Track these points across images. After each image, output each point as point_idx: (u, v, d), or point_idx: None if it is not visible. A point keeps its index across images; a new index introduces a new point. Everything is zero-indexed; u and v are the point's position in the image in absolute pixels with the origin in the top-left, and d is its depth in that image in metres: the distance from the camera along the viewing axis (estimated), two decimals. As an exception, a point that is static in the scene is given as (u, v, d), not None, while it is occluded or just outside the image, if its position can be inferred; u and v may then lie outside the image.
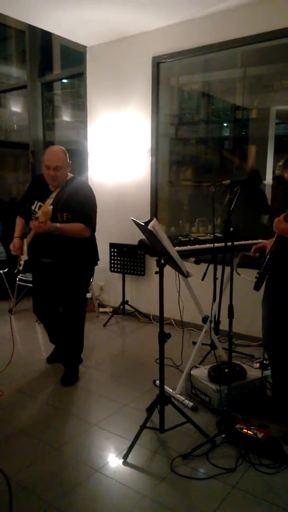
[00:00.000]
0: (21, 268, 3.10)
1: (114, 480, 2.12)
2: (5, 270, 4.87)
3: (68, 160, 2.98)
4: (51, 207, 2.84)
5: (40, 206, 2.94)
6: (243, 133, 4.41)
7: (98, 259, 3.22)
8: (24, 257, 3.11)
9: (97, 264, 3.24)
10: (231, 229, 2.28)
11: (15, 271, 3.15)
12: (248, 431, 2.37)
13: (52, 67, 5.83)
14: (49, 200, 2.95)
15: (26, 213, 3.11)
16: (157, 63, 4.34)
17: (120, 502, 1.97)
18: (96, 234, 5.09)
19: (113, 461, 2.28)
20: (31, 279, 3.35)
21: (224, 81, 4.44)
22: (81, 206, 2.92)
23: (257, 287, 2.42)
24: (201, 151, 4.69)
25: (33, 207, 3.01)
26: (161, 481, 2.12)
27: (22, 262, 3.10)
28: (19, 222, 3.20)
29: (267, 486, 2.08)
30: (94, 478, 2.13)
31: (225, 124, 4.63)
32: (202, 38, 3.99)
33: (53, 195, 2.96)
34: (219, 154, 4.56)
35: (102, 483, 2.10)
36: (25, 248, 3.07)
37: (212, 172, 4.59)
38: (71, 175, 3.08)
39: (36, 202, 3.00)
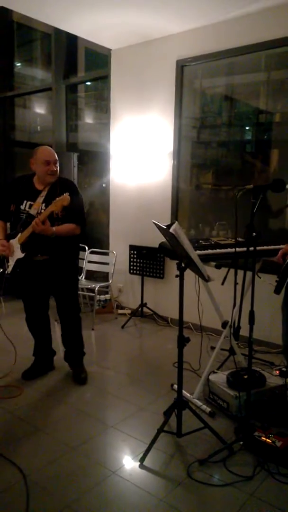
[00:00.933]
0: (9, 270, 3.07)
1: (130, 482, 2.12)
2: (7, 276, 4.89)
3: None
4: (67, 194, 2.84)
5: (30, 205, 3.00)
6: (266, 137, 4.36)
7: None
8: (16, 256, 3.04)
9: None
10: (254, 234, 2.26)
11: (5, 272, 3.14)
12: (267, 439, 2.34)
13: (77, 70, 5.89)
14: (40, 199, 3.00)
15: (7, 216, 3.12)
16: (181, 66, 4.34)
17: (136, 506, 1.97)
18: (116, 236, 5.15)
19: (130, 463, 2.28)
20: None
21: (248, 84, 4.41)
22: (73, 205, 2.94)
23: (277, 290, 2.39)
24: (222, 154, 4.67)
25: (22, 207, 3.03)
26: (178, 486, 2.11)
27: (10, 263, 3.06)
28: (0, 224, 3.19)
29: (285, 496, 2.05)
30: (111, 480, 2.14)
31: (247, 128, 4.59)
32: (226, 42, 3.98)
33: (43, 193, 3.01)
34: (240, 157, 4.52)
35: (118, 485, 2.10)
36: (16, 248, 3.04)
37: (233, 175, 4.56)
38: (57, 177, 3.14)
39: (25, 201, 3.03)
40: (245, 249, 2.35)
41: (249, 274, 2.41)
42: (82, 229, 3.09)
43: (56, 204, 2.79)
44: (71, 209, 2.93)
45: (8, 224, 3.19)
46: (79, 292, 4.86)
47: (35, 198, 3.01)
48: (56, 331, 3.55)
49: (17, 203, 3.06)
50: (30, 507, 1.93)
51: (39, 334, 3.32)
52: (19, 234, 3.00)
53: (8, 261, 3.09)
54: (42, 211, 2.93)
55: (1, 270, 3.16)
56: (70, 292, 3.22)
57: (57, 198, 2.80)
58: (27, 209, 3.01)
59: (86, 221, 3.16)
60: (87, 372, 3.30)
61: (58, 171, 3.06)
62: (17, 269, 3.05)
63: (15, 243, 3.03)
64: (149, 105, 4.62)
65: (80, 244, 3.42)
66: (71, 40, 5.71)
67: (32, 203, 3.01)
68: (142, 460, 2.27)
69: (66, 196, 2.78)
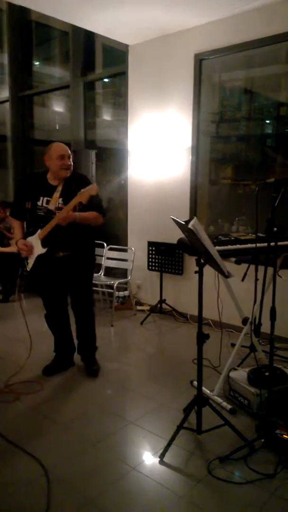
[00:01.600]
0: (29, 267, 3.10)
1: (150, 478, 2.12)
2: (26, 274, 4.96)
3: None
4: (95, 184, 2.89)
5: (47, 201, 3.01)
6: (287, 130, 4.28)
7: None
8: (36, 253, 3.06)
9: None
10: (275, 229, 2.22)
11: (25, 270, 3.17)
12: (289, 437, 2.30)
13: (94, 67, 5.90)
14: (57, 194, 3.02)
15: (23, 214, 3.13)
16: (200, 60, 4.30)
17: (157, 502, 1.97)
18: (134, 232, 5.15)
19: (150, 459, 2.28)
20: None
21: (268, 77, 4.33)
22: (92, 196, 2.95)
23: None
24: (242, 149, 4.60)
25: (38, 203, 3.03)
26: (198, 482, 2.10)
27: (30, 261, 3.09)
28: (17, 224, 3.22)
29: (308, 495, 2.01)
30: (131, 476, 2.14)
31: (267, 121, 4.51)
32: (245, 34, 3.92)
33: (59, 188, 3.03)
34: (261, 152, 4.45)
35: (138, 481, 2.10)
36: (35, 245, 3.06)
37: (253, 170, 4.49)
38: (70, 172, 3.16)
39: (41, 198, 3.04)
40: (266, 244, 2.31)
41: (270, 270, 2.37)
42: (104, 217, 3.13)
43: (82, 195, 2.82)
44: (91, 200, 2.94)
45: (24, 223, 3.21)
46: (98, 288, 4.92)
47: (51, 193, 3.03)
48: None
49: (33, 200, 3.07)
50: (51, 501, 1.95)
51: (58, 330, 3.35)
52: (39, 231, 3.01)
53: (27, 260, 3.12)
54: (59, 205, 2.97)
55: (20, 268, 3.19)
56: (86, 287, 3.26)
57: (83, 190, 2.83)
58: (44, 205, 3.02)
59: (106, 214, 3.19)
60: (99, 366, 3.33)
61: (72, 166, 3.07)
62: (37, 266, 3.07)
63: (35, 240, 3.05)
64: (167, 100, 4.59)
65: (96, 241, 3.45)
66: (89, 37, 5.72)
67: (49, 198, 3.02)
68: (162, 456, 2.26)
69: (93, 186, 2.85)
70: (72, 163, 3.07)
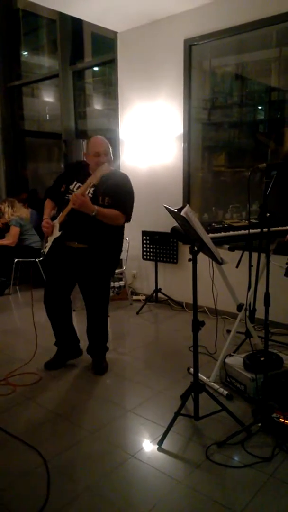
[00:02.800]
0: (46, 251, 3.06)
1: (149, 465, 2.14)
2: (41, 259, 4.97)
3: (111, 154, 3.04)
4: (106, 164, 2.81)
5: (79, 187, 2.93)
6: (279, 115, 4.25)
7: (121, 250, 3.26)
8: (53, 236, 3.03)
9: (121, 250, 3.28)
10: (268, 214, 2.22)
11: (41, 253, 3.16)
12: (285, 421, 2.33)
13: (83, 56, 5.82)
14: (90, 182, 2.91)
15: (57, 196, 3.08)
16: (189, 46, 4.25)
17: (156, 488, 1.99)
18: (128, 222, 5.12)
19: (148, 446, 2.30)
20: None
21: (259, 62, 4.29)
22: (123, 194, 2.95)
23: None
24: (234, 135, 4.58)
25: (71, 187, 2.99)
26: (196, 468, 2.12)
27: (48, 244, 3.05)
28: (48, 204, 3.16)
29: (305, 476, 2.04)
30: (130, 463, 2.16)
31: (259, 107, 4.48)
32: (235, 18, 3.87)
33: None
34: (253, 138, 4.43)
35: (137, 468, 2.12)
36: (55, 228, 3.02)
37: (246, 157, 4.47)
38: (112, 168, 3.07)
39: (75, 182, 2.99)
40: (259, 230, 2.31)
41: (263, 256, 2.37)
42: (127, 220, 3.02)
43: (95, 175, 2.75)
44: (118, 197, 2.91)
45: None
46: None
47: (86, 180, 2.89)
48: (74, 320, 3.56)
49: (67, 183, 3.03)
50: (51, 490, 1.97)
51: (56, 320, 3.22)
52: (60, 213, 2.98)
53: (46, 242, 3.09)
54: (90, 195, 2.89)
55: (32, 259, 3.16)
56: (102, 286, 3.12)
57: (96, 169, 2.76)
58: (75, 189, 2.95)
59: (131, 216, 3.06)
60: (108, 364, 3.24)
61: (108, 161, 2.94)
62: (52, 251, 3.03)
63: (56, 222, 3.01)
64: (158, 87, 4.55)
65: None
66: (77, 26, 5.64)
67: (81, 184, 2.92)
68: (160, 443, 2.28)
69: (105, 165, 2.76)
70: (109, 159, 2.96)
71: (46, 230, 3.03)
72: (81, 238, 2.96)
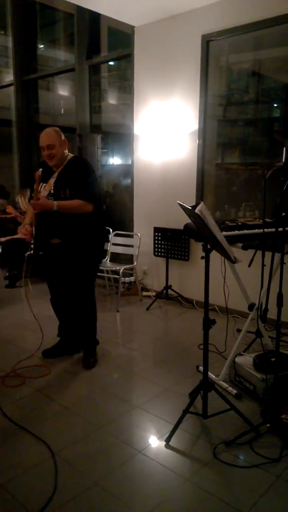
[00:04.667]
0: (32, 252, 3.10)
1: (156, 462, 2.14)
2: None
3: (63, 138, 2.99)
4: (39, 170, 2.87)
5: (44, 187, 3.00)
6: (296, 113, 4.20)
7: (106, 238, 3.21)
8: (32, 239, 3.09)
9: (106, 241, 3.22)
10: (283, 214, 2.19)
11: (31, 255, 3.20)
12: (294, 422, 2.31)
13: (100, 50, 5.81)
14: (52, 180, 2.98)
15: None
16: (207, 42, 4.21)
17: (163, 484, 1.99)
18: (140, 218, 5.12)
19: (155, 443, 2.30)
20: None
21: (276, 59, 4.23)
22: (80, 181, 2.92)
23: None
24: (249, 132, 4.53)
25: (39, 189, 3.03)
26: (203, 466, 2.11)
27: (32, 247, 3.10)
28: (29, 208, 3.19)
29: (313, 479, 2.03)
30: (137, 459, 2.16)
31: (275, 105, 4.43)
32: (253, 14, 3.82)
33: (55, 174, 3.00)
34: (268, 136, 4.38)
35: (144, 465, 2.12)
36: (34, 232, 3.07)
37: (260, 155, 4.43)
38: (72, 155, 3.09)
39: (41, 184, 3.03)
40: (273, 229, 2.29)
41: (277, 255, 2.35)
42: (97, 207, 2.97)
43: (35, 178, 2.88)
44: (77, 186, 2.90)
45: None
46: (103, 274, 4.92)
47: (49, 179, 3.01)
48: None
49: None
50: (58, 483, 1.98)
51: (61, 315, 3.35)
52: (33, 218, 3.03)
53: (32, 245, 3.11)
54: (52, 191, 2.94)
55: (27, 253, 3.20)
56: (81, 278, 3.10)
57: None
58: (41, 190, 3.00)
59: (103, 200, 3.07)
60: (97, 360, 3.23)
61: (56, 156, 2.95)
62: (39, 252, 3.07)
63: (32, 227, 3.06)
64: (174, 83, 4.52)
65: (106, 227, 3.32)
66: (94, 19, 5.62)
67: (45, 184, 3.00)
68: (168, 440, 2.28)
69: (38, 172, 2.88)
70: (52, 153, 2.93)
71: (26, 237, 3.09)
72: (54, 234, 3.01)
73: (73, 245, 3.00)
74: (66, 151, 3.05)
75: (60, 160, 3.00)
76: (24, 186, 6.42)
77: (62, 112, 6.95)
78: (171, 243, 4.72)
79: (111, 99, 6.25)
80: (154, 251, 4.90)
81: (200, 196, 4.50)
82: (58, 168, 3.02)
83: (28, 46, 6.63)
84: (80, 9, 5.30)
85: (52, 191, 2.96)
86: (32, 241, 3.06)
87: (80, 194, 2.90)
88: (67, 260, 3.06)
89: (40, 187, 3.02)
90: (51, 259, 3.14)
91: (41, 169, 2.97)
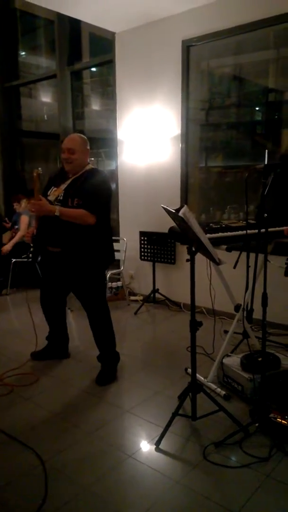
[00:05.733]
0: (31, 256, 3.09)
1: (146, 465, 2.14)
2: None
3: (87, 147, 2.97)
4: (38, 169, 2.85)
5: (54, 191, 2.95)
6: (276, 116, 4.27)
7: (112, 255, 3.07)
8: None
9: (111, 262, 3.10)
10: (265, 215, 2.22)
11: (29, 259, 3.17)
12: (283, 421, 2.33)
13: (81, 56, 5.82)
14: (63, 186, 2.92)
15: None
16: (187, 47, 4.26)
17: (153, 488, 1.99)
18: (126, 222, 5.13)
19: (146, 447, 2.30)
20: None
21: (257, 63, 4.30)
22: (90, 192, 2.84)
23: (287, 273, 2.36)
24: (232, 136, 4.59)
25: (48, 193, 2.99)
26: (194, 468, 2.12)
27: (31, 250, 3.07)
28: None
29: (302, 476, 2.05)
30: (127, 463, 2.16)
31: (257, 108, 4.49)
32: (233, 19, 3.88)
33: (69, 181, 2.94)
34: (251, 139, 4.44)
35: (135, 469, 2.12)
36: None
37: (244, 157, 4.48)
38: (92, 166, 3.03)
39: (52, 187, 2.99)
40: (256, 231, 2.32)
41: (261, 256, 2.38)
42: (100, 219, 2.86)
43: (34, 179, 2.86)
44: (87, 196, 2.81)
45: None
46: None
47: (61, 184, 2.95)
48: (70, 320, 3.56)
49: (47, 190, 3.04)
50: (49, 490, 1.96)
51: (51, 320, 3.33)
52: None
53: (31, 248, 3.11)
54: (60, 197, 2.88)
55: (26, 259, 3.19)
56: (87, 290, 3.01)
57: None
58: (50, 194, 2.96)
59: (108, 212, 2.96)
60: (112, 377, 3.06)
61: (75, 162, 2.90)
62: (37, 257, 3.04)
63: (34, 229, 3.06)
64: (156, 88, 4.55)
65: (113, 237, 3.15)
66: (75, 26, 5.64)
67: (55, 189, 2.95)
68: (158, 443, 2.28)
69: (37, 170, 2.82)
70: (73, 157, 2.88)
71: (26, 238, 3.13)
72: (54, 242, 2.95)
73: (74, 255, 2.90)
74: (89, 161, 3.00)
75: (78, 167, 2.93)
76: (7, 195, 6.41)
77: (45, 118, 6.94)
78: (157, 247, 4.74)
79: (94, 105, 6.26)
80: (141, 255, 4.91)
81: (185, 199, 4.53)
82: (73, 175, 2.95)
83: (9, 53, 6.61)
84: (61, 16, 5.31)
85: (61, 197, 2.88)
86: (31, 244, 3.05)
87: (85, 204, 2.80)
88: (67, 271, 2.98)
89: (50, 190, 2.98)
90: (49, 266, 3.09)
91: (40, 168, 2.88)
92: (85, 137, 3.01)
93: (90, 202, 2.82)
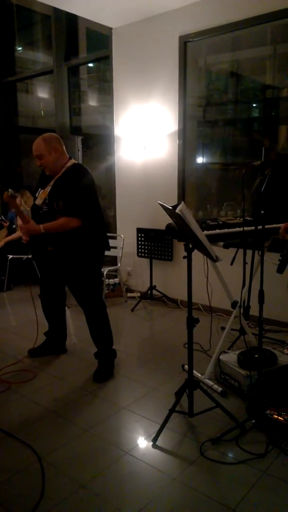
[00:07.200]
0: (30, 254, 3.14)
1: (143, 462, 2.14)
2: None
3: (55, 144, 2.88)
4: (6, 192, 2.84)
5: (41, 193, 2.96)
6: (274, 113, 4.26)
7: (107, 247, 3.07)
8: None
9: (107, 250, 3.10)
10: (262, 211, 2.22)
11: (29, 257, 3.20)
12: (279, 417, 2.34)
13: (78, 51, 5.79)
14: (48, 188, 2.93)
15: None
16: (184, 43, 4.24)
17: (150, 484, 1.99)
18: (123, 219, 5.13)
19: (143, 443, 2.31)
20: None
21: (254, 59, 4.29)
22: (71, 195, 2.82)
23: (280, 270, 2.35)
24: (229, 133, 4.58)
25: (36, 195, 3.02)
26: (190, 464, 2.13)
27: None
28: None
29: (298, 472, 2.06)
30: (124, 460, 2.16)
31: (254, 105, 4.49)
32: (230, 15, 3.86)
33: (52, 182, 2.93)
34: (248, 135, 4.43)
35: (132, 465, 2.13)
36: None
37: (241, 154, 4.48)
38: (74, 161, 2.99)
39: (39, 189, 3.00)
40: (253, 228, 2.32)
41: (258, 253, 2.38)
42: (87, 217, 2.85)
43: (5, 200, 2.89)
44: (69, 200, 2.81)
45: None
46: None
47: (46, 185, 2.95)
48: (67, 316, 3.55)
49: (36, 191, 3.08)
50: (46, 488, 1.97)
51: (50, 317, 3.36)
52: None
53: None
54: (47, 201, 2.89)
55: (26, 257, 3.20)
56: (81, 286, 3.02)
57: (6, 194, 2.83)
58: (38, 195, 2.98)
59: (94, 207, 2.92)
60: (109, 373, 3.06)
61: (48, 165, 2.88)
62: (35, 256, 3.08)
63: None
64: (153, 84, 4.54)
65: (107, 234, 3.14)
66: (72, 21, 5.60)
67: (43, 190, 2.96)
68: (155, 440, 2.29)
69: (6, 193, 2.80)
70: (43, 163, 2.87)
71: (24, 239, 3.05)
72: (47, 242, 2.97)
73: (66, 253, 2.94)
74: (65, 156, 2.95)
75: (55, 168, 2.90)
76: (5, 189, 6.37)
77: (42, 114, 6.91)
78: (154, 244, 4.74)
79: (91, 101, 6.23)
80: (138, 252, 4.91)
81: (182, 196, 4.53)
82: (55, 175, 2.93)
83: (5, 48, 6.56)
84: (57, 11, 5.28)
85: (46, 201, 2.89)
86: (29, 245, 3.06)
87: (67, 210, 2.81)
88: (62, 267, 3.03)
89: (38, 192, 2.99)
90: (46, 264, 3.16)
91: (10, 190, 2.84)
92: (50, 135, 2.93)
93: (71, 206, 2.82)
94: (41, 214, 2.92)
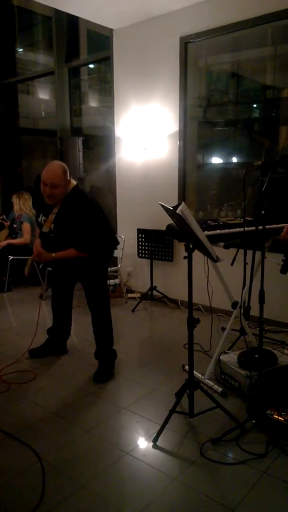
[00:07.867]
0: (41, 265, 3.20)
1: (144, 462, 2.14)
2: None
3: (68, 178, 2.83)
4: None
5: (45, 221, 2.96)
6: (274, 113, 4.26)
7: (116, 243, 3.16)
8: None
9: (115, 248, 3.25)
10: (263, 212, 2.22)
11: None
12: (279, 417, 2.34)
13: (79, 53, 5.80)
14: (52, 216, 2.91)
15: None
16: (185, 44, 4.25)
17: (150, 485, 1.99)
18: (123, 220, 5.13)
19: (143, 444, 2.30)
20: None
21: (254, 60, 4.29)
22: (75, 230, 2.86)
23: (283, 270, 2.35)
24: (230, 133, 4.58)
25: (39, 219, 3.05)
26: (191, 465, 2.12)
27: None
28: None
29: (298, 472, 2.06)
30: (125, 461, 2.16)
31: (255, 105, 4.49)
32: (230, 16, 3.87)
33: (55, 210, 2.90)
34: (248, 136, 4.43)
35: (132, 466, 2.12)
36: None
37: (241, 155, 4.48)
38: (73, 183, 2.92)
39: (41, 215, 3.02)
40: (254, 228, 2.32)
41: (258, 253, 2.38)
42: (95, 242, 2.93)
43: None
44: (75, 234, 2.85)
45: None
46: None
47: (48, 213, 2.94)
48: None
49: (37, 211, 3.11)
50: (46, 488, 1.97)
51: (58, 315, 3.39)
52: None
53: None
54: (52, 228, 2.93)
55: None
56: (92, 288, 3.11)
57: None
58: (42, 222, 3.01)
59: (101, 225, 2.95)
60: (110, 374, 3.07)
61: (57, 196, 2.82)
62: (47, 267, 3.13)
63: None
64: (154, 85, 4.54)
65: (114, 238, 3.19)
66: (72, 22, 5.61)
67: (46, 218, 2.96)
68: (155, 440, 2.29)
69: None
70: (55, 193, 2.79)
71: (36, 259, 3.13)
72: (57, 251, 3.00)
73: (77, 263, 3.02)
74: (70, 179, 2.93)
75: (61, 199, 2.88)
76: (5, 192, 6.37)
77: (43, 115, 6.92)
78: (155, 244, 4.74)
79: (92, 102, 6.24)
80: (138, 253, 4.91)
81: (182, 197, 4.53)
82: (56, 204, 2.91)
83: (6, 49, 6.58)
84: (58, 12, 5.29)
85: (52, 228, 2.92)
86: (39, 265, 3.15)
87: (75, 243, 2.88)
88: (75, 272, 3.14)
89: (40, 219, 3.02)
90: (58, 269, 3.26)
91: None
92: (65, 165, 2.86)
93: (77, 242, 2.89)
94: (50, 240, 2.97)
